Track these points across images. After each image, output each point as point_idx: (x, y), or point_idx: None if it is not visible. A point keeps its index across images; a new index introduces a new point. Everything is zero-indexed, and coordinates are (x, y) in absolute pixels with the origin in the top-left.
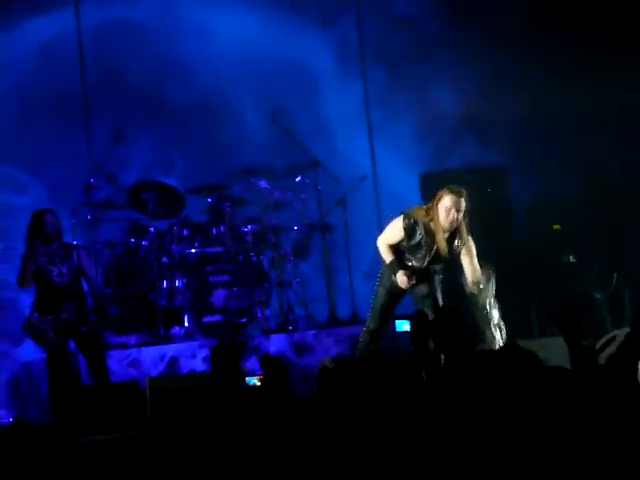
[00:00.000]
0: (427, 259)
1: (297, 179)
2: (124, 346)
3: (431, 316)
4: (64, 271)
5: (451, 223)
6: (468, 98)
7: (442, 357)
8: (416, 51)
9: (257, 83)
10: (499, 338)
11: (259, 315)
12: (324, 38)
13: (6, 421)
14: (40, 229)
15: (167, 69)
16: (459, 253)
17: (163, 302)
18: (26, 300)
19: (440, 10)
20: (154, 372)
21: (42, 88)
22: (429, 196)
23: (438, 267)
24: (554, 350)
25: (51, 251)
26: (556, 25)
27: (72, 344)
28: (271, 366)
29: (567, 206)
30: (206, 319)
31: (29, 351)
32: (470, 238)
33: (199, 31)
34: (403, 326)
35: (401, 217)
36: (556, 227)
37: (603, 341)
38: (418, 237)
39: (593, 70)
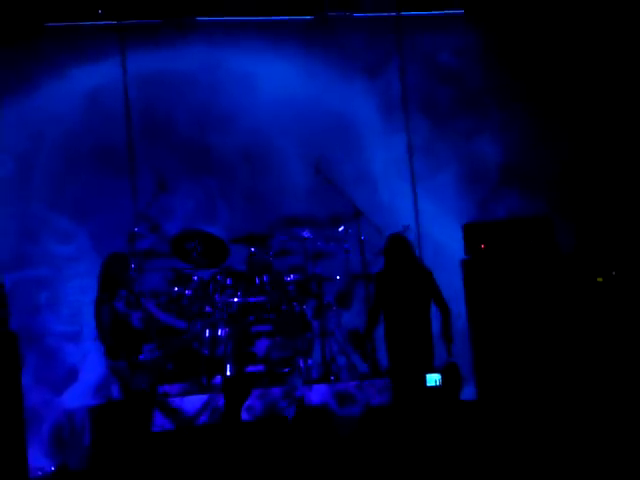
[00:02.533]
0: None
1: (340, 229)
2: (166, 395)
3: None
4: (140, 316)
5: None
6: (511, 149)
7: None
8: (459, 102)
9: (300, 133)
10: None
11: (301, 365)
12: (367, 88)
13: (49, 470)
14: (126, 272)
15: (211, 119)
16: None
17: (206, 351)
18: (69, 348)
19: (484, 62)
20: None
21: (88, 137)
22: (472, 246)
23: None
24: None
25: (127, 296)
26: (598, 77)
27: None
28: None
29: (611, 256)
30: (248, 368)
31: (72, 399)
32: None
33: (243, 81)
34: (434, 380)
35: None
36: (599, 279)
37: None
38: None
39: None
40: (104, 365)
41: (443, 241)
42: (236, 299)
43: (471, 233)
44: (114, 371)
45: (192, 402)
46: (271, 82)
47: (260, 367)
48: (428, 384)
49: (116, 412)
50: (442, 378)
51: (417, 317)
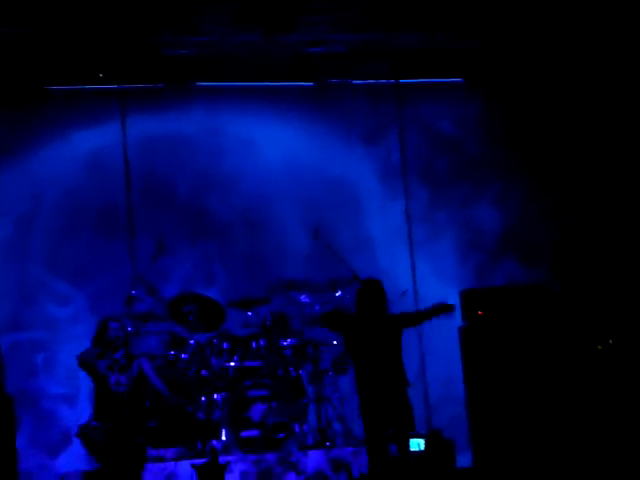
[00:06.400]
0: None
1: (338, 294)
2: (161, 459)
3: None
4: (122, 380)
5: None
6: (510, 217)
7: None
8: (458, 170)
9: (300, 198)
10: None
11: (297, 430)
12: (367, 154)
13: None
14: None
15: (211, 183)
16: None
17: (201, 415)
18: (64, 411)
19: (483, 131)
20: None
21: (88, 199)
22: (470, 313)
23: None
24: None
25: (113, 360)
26: (597, 148)
27: None
28: None
29: (610, 324)
30: (244, 433)
31: (66, 463)
32: None
33: (243, 146)
34: (417, 445)
35: None
36: (600, 347)
37: None
38: None
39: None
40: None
41: None
42: (232, 363)
43: (469, 300)
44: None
45: (186, 467)
46: (271, 147)
47: (255, 432)
48: (411, 449)
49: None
50: (426, 443)
51: (389, 367)
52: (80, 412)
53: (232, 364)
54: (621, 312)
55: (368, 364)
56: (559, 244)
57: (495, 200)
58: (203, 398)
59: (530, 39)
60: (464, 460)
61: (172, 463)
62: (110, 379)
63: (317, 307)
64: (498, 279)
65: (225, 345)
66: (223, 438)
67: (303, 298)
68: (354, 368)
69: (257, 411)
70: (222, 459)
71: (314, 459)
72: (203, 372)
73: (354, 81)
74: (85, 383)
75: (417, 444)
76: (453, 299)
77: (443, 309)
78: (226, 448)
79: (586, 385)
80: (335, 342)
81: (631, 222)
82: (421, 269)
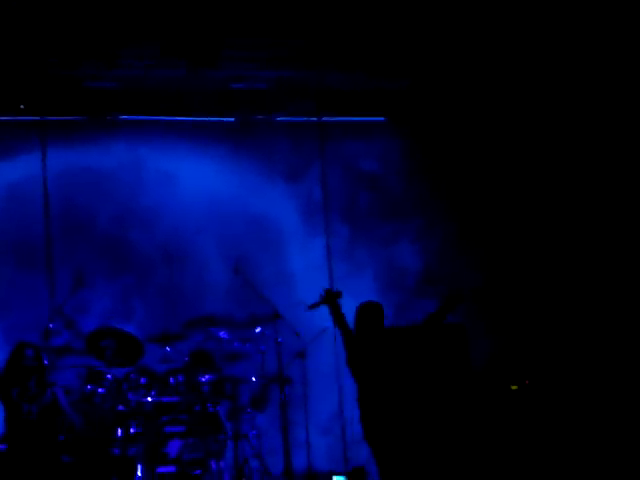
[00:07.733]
0: None
1: (257, 330)
2: None
3: None
4: (33, 409)
5: None
6: (430, 255)
7: None
8: (380, 208)
9: (221, 233)
10: None
11: (213, 467)
12: (289, 191)
13: None
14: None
15: (131, 217)
16: None
17: (117, 451)
18: None
19: (405, 169)
20: None
21: (7, 230)
22: (389, 350)
23: None
24: None
25: (25, 387)
26: (516, 187)
27: None
28: None
29: (526, 365)
30: (160, 469)
31: None
32: None
33: (165, 180)
34: None
35: None
36: (514, 387)
37: None
38: None
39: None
40: None
41: None
42: (150, 398)
43: (388, 337)
44: None
45: None
46: (193, 182)
47: (172, 468)
48: None
49: None
50: None
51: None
52: None
53: (149, 399)
54: (539, 352)
55: (368, 387)
56: (478, 283)
57: (416, 238)
58: (119, 433)
59: (453, 79)
60: None
61: None
62: (23, 407)
63: (236, 343)
64: (418, 317)
65: (142, 380)
66: (139, 474)
67: (222, 334)
68: (357, 390)
69: (174, 447)
70: None
71: None
72: (120, 407)
73: (277, 118)
74: None
75: None
76: None
77: (453, 302)
78: None
79: (501, 425)
80: (253, 379)
81: (552, 260)
82: (342, 306)
